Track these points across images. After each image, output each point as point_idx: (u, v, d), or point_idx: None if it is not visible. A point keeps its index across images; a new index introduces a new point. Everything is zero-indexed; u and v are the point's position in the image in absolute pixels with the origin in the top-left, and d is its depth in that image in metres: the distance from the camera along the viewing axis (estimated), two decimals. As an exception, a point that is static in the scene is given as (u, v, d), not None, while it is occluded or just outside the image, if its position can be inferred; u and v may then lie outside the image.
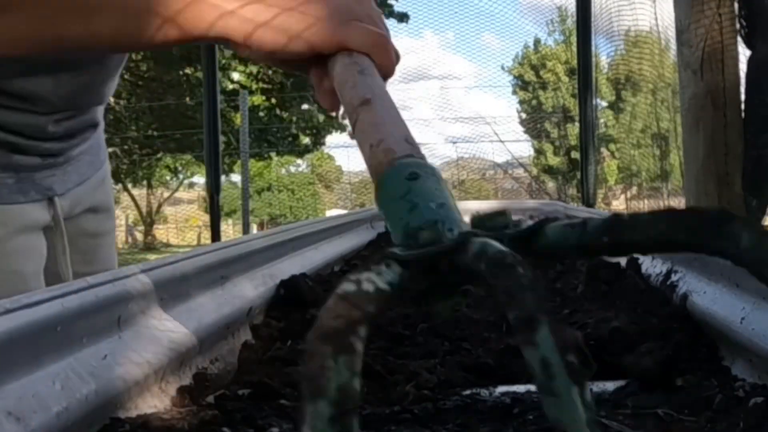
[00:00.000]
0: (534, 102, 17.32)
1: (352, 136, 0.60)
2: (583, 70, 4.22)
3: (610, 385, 0.85)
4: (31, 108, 0.90)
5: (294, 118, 11.41)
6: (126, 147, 14.47)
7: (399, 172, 0.49)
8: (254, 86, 11.40)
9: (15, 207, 0.93)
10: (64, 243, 1.03)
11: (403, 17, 10.92)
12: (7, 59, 0.78)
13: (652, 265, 1.37)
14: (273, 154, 12.58)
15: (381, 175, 0.51)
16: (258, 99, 11.19)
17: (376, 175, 0.52)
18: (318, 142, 12.63)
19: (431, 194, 0.46)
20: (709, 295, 1.03)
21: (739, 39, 2.31)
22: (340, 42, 0.64)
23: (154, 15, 0.64)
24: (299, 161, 17.33)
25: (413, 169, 0.49)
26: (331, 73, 0.65)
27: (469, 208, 2.86)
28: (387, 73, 0.66)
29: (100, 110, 1.05)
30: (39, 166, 0.96)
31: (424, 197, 0.46)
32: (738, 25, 2.29)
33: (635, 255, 1.47)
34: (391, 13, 10.93)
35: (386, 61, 0.66)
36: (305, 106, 11.68)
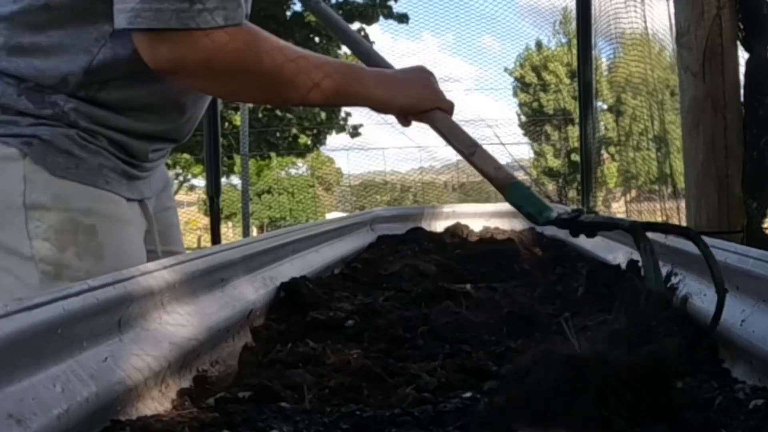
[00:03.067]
0: (535, 104, 17.31)
1: (468, 158, 1.20)
2: (584, 72, 4.22)
3: (610, 388, 0.84)
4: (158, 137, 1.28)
5: (293, 118, 11.36)
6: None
7: (522, 185, 1.13)
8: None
9: (129, 203, 1.24)
10: (154, 231, 1.34)
11: (402, 18, 10.90)
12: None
13: (652, 268, 1.37)
14: (273, 154, 12.51)
15: (510, 184, 1.13)
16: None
17: (504, 181, 1.14)
18: (318, 141, 12.60)
19: (540, 198, 1.15)
20: (710, 297, 1.03)
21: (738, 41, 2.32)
22: (437, 107, 1.26)
23: (351, 94, 1.24)
24: (299, 163, 17.30)
25: (527, 186, 1.14)
26: (432, 117, 1.25)
27: (470, 211, 2.86)
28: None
29: None
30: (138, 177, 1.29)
31: (540, 199, 1.14)
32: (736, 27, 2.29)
33: (635, 258, 1.47)
34: (390, 14, 10.92)
35: (452, 113, 1.28)
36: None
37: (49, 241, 1.12)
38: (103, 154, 1.19)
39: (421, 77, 1.28)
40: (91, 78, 1.13)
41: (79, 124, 1.15)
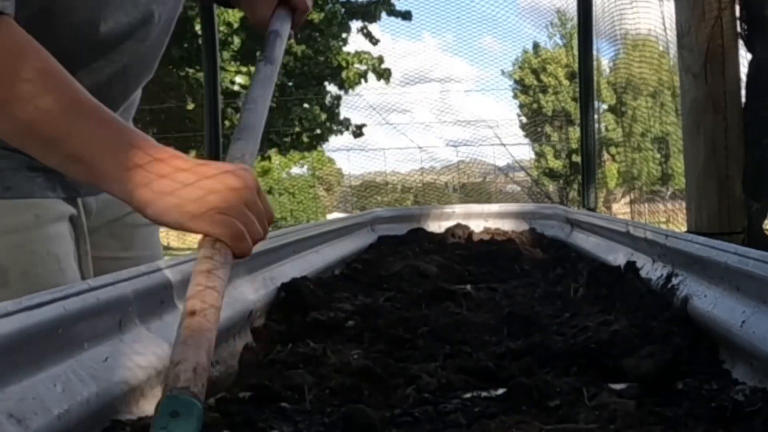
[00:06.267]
0: (534, 105, 17.30)
1: (183, 318, 0.69)
2: (584, 73, 4.22)
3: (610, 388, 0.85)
4: None
5: (294, 118, 11.35)
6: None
7: (168, 404, 0.59)
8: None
9: (46, 201, 1.08)
10: (85, 239, 1.15)
11: (406, 15, 10.89)
12: None
13: (652, 269, 1.37)
14: (272, 153, 12.49)
15: (162, 397, 0.61)
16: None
17: (163, 390, 0.62)
18: (318, 142, 12.62)
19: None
20: (710, 298, 1.03)
21: (740, 42, 2.31)
22: (205, 232, 0.77)
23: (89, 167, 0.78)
24: (300, 162, 17.30)
25: (177, 408, 0.59)
26: (200, 246, 0.77)
27: (471, 211, 2.86)
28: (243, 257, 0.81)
29: None
30: None
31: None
32: (739, 28, 2.29)
33: (633, 258, 1.47)
34: (392, 11, 10.93)
35: (244, 252, 0.81)
36: (306, 106, 11.66)
37: None
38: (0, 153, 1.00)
39: (229, 186, 0.79)
40: None
41: None
